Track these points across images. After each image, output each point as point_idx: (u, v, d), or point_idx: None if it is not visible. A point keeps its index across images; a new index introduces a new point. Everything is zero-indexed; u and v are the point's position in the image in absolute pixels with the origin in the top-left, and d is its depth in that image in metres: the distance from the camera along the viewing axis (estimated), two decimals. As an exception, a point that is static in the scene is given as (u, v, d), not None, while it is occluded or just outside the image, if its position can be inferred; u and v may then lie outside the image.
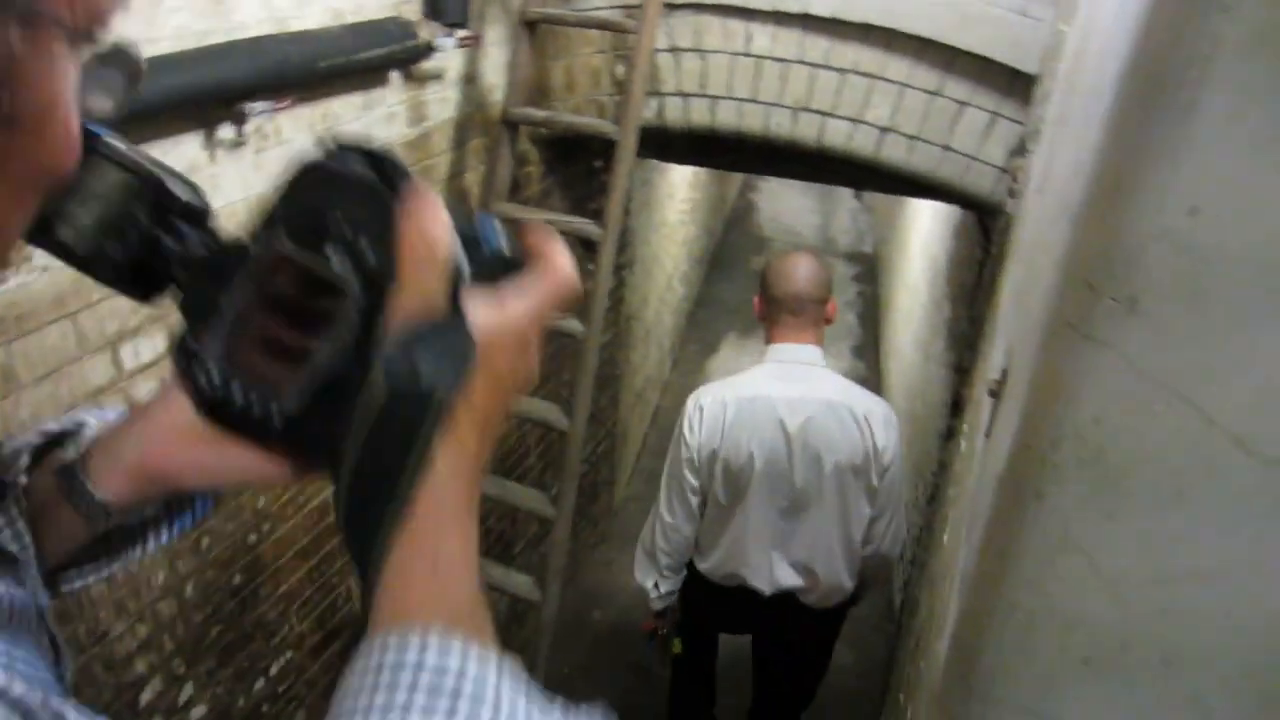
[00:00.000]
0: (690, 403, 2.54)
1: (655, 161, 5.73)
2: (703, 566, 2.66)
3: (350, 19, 2.55)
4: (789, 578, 2.57)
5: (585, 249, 2.77)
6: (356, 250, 0.48)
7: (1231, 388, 0.79)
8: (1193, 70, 0.72)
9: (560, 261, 0.52)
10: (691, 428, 2.47)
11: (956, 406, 3.00)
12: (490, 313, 0.48)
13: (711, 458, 2.46)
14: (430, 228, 0.47)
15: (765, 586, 2.58)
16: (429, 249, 0.47)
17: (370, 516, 0.46)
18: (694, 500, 2.53)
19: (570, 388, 2.95)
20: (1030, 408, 0.97)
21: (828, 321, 2.56)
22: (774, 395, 2.43)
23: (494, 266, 0.50)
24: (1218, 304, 0.77)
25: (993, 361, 1.74)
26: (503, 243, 0.52)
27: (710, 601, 2.73)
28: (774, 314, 2.52)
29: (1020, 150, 2.69)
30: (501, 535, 4.05)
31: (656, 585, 2.75)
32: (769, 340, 2.57)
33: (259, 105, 2.21)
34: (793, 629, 2.70)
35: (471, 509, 0.48)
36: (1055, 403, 0.88)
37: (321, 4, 2.46)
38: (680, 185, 7.12)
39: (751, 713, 3.20)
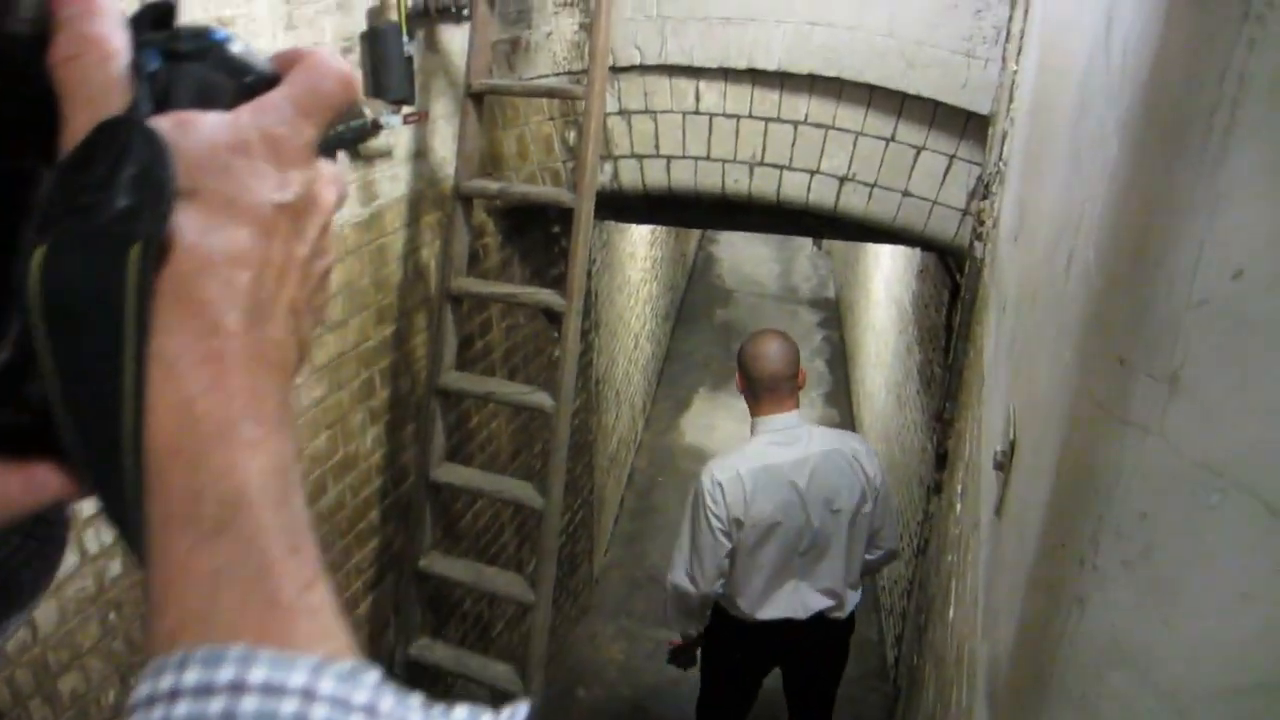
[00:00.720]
0: (706, 479, 2.80)
1: (614, 223, 5.67)
2: (741, 608, 2.97)
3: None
4: (819, 602, 2.97)
5: (550, 320, 2.65)
6: None
7: (1296, 473, 0.68)
8: (1219, 116, 0.63)
9: (316, 56, 0.39)
10: (716, 500, 2.77)
11: (941, 460, 2.89)
12: (203, 121, 0.34)
13: (737, 524, 2.79)
14: (89, 29, 0.33)
15: (801, 613, 2.96)
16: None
17: (103, 467, 0.32)
18: (725, 562, 2.85)
19: (543, 459, 2.82)
20: (1061, 500, 0.86)
21: (799, 388, 2.90)
22: (779, 461, 2.79)
23: (236, 90, 0.37)
24: (1272, 379, 0.66)
25: (990, 425, 1.63)
26: (250, 60, 0.38)
27: (750, 641, 3.05)
28: (756, 392, 2.87)
29: (982, 192, 2.63)
30: (479, 618, 3.87)
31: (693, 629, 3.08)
32: (756, 414, 2.91)
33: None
34: (823, 642, 3.11)
35: (265, 422, 0.33)
36: (1092, 496, 0.77)
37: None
38: (641, 244, 7.07)
39: None
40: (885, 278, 6.96)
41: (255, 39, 2.30)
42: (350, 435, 2.75)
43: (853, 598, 3.03)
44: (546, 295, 2.65)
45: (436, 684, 3.50)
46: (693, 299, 10.86)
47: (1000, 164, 2.40)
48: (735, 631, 3.03)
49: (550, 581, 2.71)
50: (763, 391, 2.83)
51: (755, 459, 2.79)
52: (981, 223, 2.53)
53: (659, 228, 7.88)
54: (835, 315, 10.58)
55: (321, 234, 0.39)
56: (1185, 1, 0.68)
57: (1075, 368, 0.86)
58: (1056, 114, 1.31)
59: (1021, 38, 2.34)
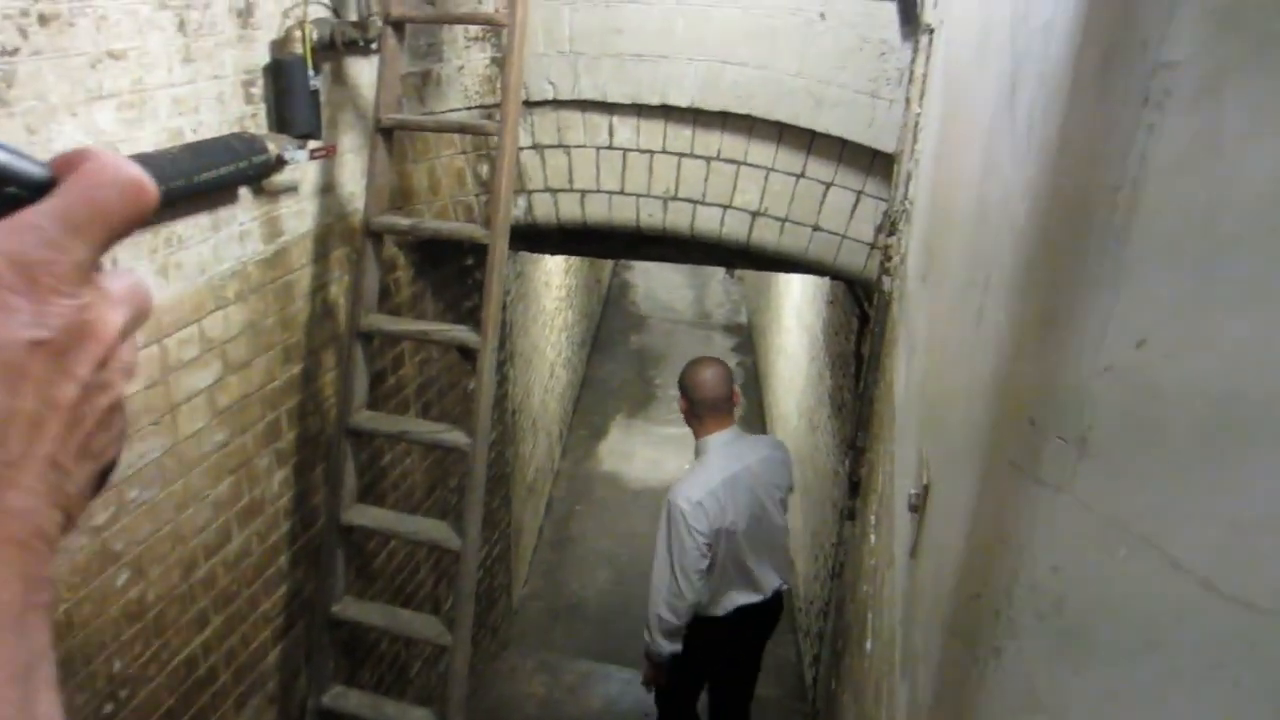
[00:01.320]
0: (683, 503, 3.08)
1: (528, 253, 5.65)
2: (709, 608, 3.30)
3: (190, 137, 2.36)
4: (774, 580, 3.40)
5: (464, 357, 2.62)
6: None
7: (1196, 528, 0.71)
8: (1122, 194, 0.65)
9: (97, 162, 0.34)
10: (699, 519, 3.07)
11: (855, 487, 2.95)
12: None
13: (716, 536, 3.13)
14: None
15: (761, 595, 3.37)
16: None
17: None
18: (706, 576, 3.17)
19: (459, 495, 2.76)
20: (976, 554, 0.88)
21: (735, 405, 3.32)
22: (737, 470, 3.17)
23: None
24: (1174, 440, 0.70)
25: (903, 462, 1.67)
26: (13, 166, 0.34)
27: (710, 635, 3.39)
28: (700, 413, 3.25)
29: (888, 228, 2.71)
30: (395, 659, 3.77)
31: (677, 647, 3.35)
32: (702, 433, 3.27)
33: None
34: (774, 611, 3.53)
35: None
36: (1005, 550, 0.80)
37: (156, 125, 2.28)
38: (555, 272, 7.05)
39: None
40: (796, 305, 7.09)
41: (150, 72, 2.22)
42: (256, 479, 2.65)
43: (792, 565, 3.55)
44: (461, 332, 2.61)
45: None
46: (608, 326, 10.88)
47: (906, 202, 2.47)
48: (707, 631, 3.35)
49: (468, 622, 2.66)
50: (706, 412, 3.22)
51: (718, 473, 3.14)
52: (889, 258, 2.60)
53: (573, 258, 7.88)
54: (748, 340, 10.73)
55: (101, 366, 0.34)
56: (1090, 82, 0.71)
57: (987, 426, 0.88)
58: (962, 163, 1.35)
59: (924, 80, 2.43)
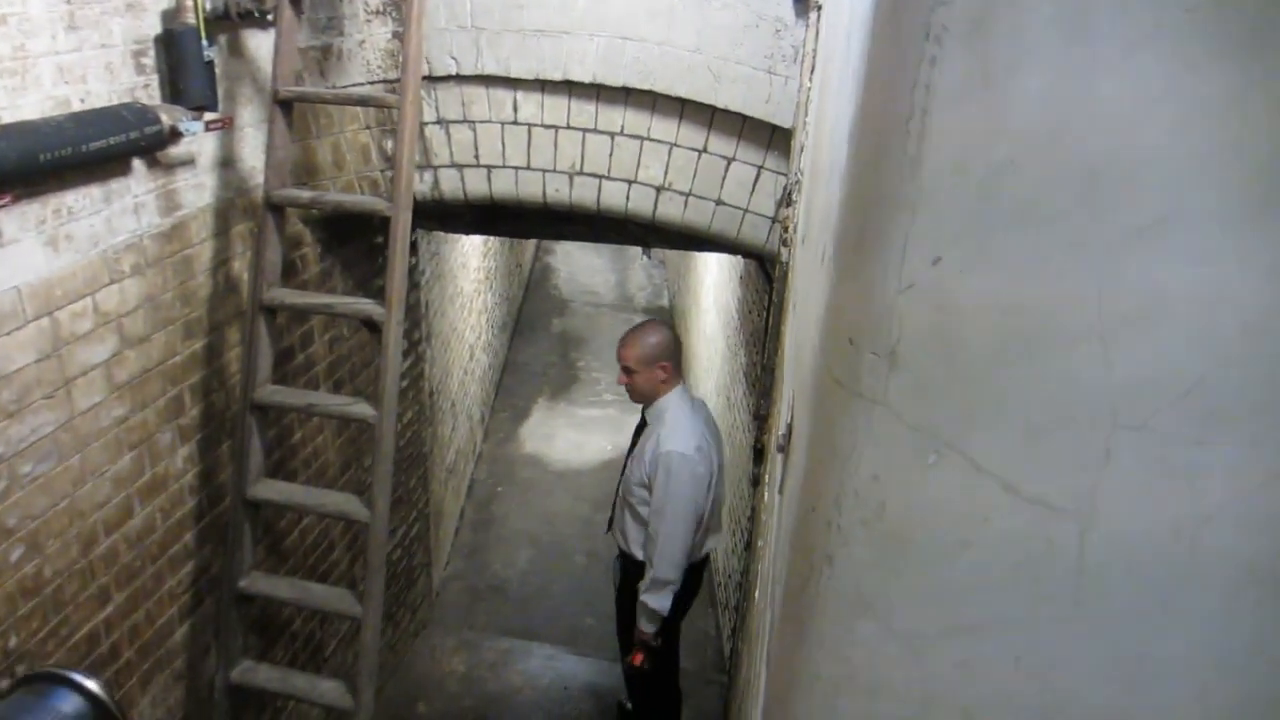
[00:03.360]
0: (686, 451, 3.22)
1: (443, 234, 5.63)
2: (692, 558, 3.43)
3: (78, 107, 2.32)
4: (721, 524, 3.63)
5: (371, 330, 2.62)
6: None
7: (995, 433, 0.79)
8: (913, 122, 0.72)
9: None
10: (701, 465, 3.24)
11: (759, 454, 3.04)
12: None
13: (711, 482, 3.33)
14: None
15: (717, 541, 3.58)
16: None
17: None
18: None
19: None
20: (812, 468, 0.95)
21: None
22: (705, 417, 3.44)
23: None
24: (971, 351, 0.77)
25: (779, 414, 1.75)
26: None
27: (690, 583, 3.54)
28: (679, 369, 3.42)
29: (787, 201, 2.79)
30: (310, 637, 3.75)
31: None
32: (665, 391, 3.40)
33: (-35, 207, 1.97)
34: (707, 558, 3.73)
35: None
36: (834, 462, 0.86)
37: (40, 93, 2.23)
38: (473, 255, 7.02)
39: None
40: (713, 285, 7.19)
41: (32, 39, 2.18)
42: (158, 455, 2.62)
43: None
44: (366, 305, 2.62)
45: (264, 709, 3.38)
46: (530, 309, 10.87)
47: (799, 174, 2.56)
48: (688, 579, 3.48)
49: (379, 594, 2.67)
50: (677, 368, 3.40)
51: (696, 423, 3.33)
52: (786, 229, 2.69)
53: (492, 239, 7.85)
54: (669, 323, 10.83)
55: None
56: (886, 20, 0.78)
57: (820, 349, 0.95)
58: (825, 125, 1.43)
59: (814, 56, 2.51)
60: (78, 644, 2.38)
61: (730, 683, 3.71)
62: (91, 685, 0.51)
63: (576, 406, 8.35)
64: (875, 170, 0.78)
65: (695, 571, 3.61)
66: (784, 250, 2.69)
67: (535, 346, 9.80)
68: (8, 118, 2.13)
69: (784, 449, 1.38)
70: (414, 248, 4.60)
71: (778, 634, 1.07)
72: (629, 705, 4.37)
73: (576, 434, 7.82)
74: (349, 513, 2.68)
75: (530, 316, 10.64)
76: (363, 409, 2.61)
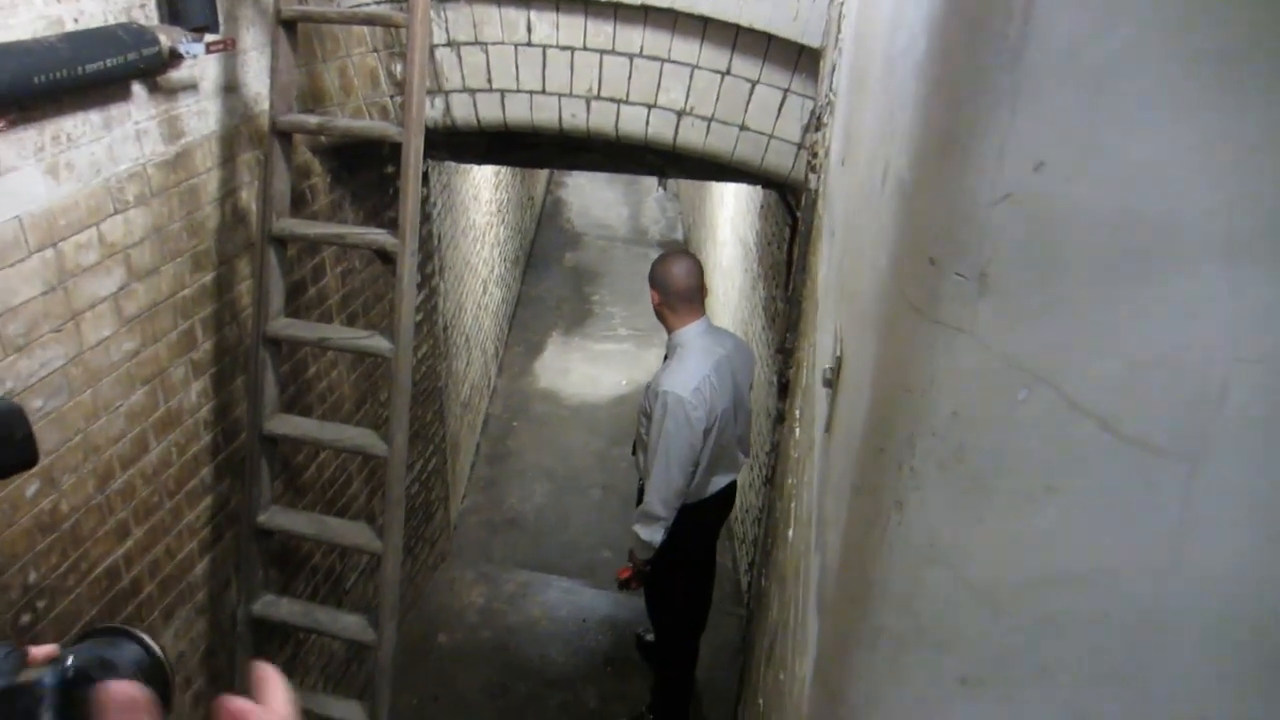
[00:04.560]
0: (681, 392, 3.15)
1: (454, 165, 5.49)
2: (695, 494, 3.40)
3: (71, 27, 2.20)
4: (742, 458, 3.59)
5: (384, 261, 2.53)
6: None
7: (1095, 366, 0.70)
8: (1017, 4, 0.62)
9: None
10: (696, 409, 3.16)
11: (784, 389, 2.96)
12: None
13: (711, 421, 3.23)
14: None
15: (736, 472, 3.59)
16: None
17: None
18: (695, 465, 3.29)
19: (389, 407, 2.71)
20: (878, 405, 0.86)
21: (706, 296, 3.41)
22: (719, 358, 3.26)
23: None
24: (1074, 272, 0.68)
25: (822, 347, 1.66)
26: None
27: (699, 520, 3.53)
28: (675, 305, 3.29)
29: (815, 125, 2.66)
30: (330, 571, 3.75)
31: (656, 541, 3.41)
32: (677, 325, 3.32)
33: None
34: (734, 494, 3.76)
35: None
36: (906, 398, 0.78)
37: (31, 11, 2.11)
38: (484, 187, 6.89)
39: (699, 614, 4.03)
40: (730, 217, 7.05)
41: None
42: (172, 389, 2.56)
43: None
44: (378, 235, 2.52)
45: (287, 641, 3.38)
46: (542, 243, 10.73)
47: (830, 95, 2.43)
48: (693, 517, 3.46)
49: (399, 528, 2.63)
50: (681, 304, 3.27)
51: (705, 361, 3.22)
52: (815, 155, 2.56)
53: (504, 170, 7.70)
54: (689, 253, 10.68)
55: None
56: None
57: (890, 272, 0.86)
58: (876, 29, 1.31)
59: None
60: (98, 579, 2.35)
61: (751, 618, 3.69)
62: (150, 641, 0.61)
63: (591, 341, 8.27)
64: (966, 60, 0.68)
65: (717, 503, 3.59)
66: (813, 177, 2.57)
67: (548, 280, 9.69)
68: (-1, 38, 2.02)
69: (830, 384, 1.29)
70: (425, 179, 4.48)
71: (835, 582, 1.00)
72: (648, 636, 4.38)
73: (591, 368, 7.76)
74: (366, 447, 2.62)
75: (543, 250, 10.51)
76: (378, 343, 2.53)
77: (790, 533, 1.96)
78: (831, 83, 2.44)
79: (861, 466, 0.90)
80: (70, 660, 0.63)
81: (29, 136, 2.11)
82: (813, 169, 2.58)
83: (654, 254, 10.94)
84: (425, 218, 4.57)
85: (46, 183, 2.16)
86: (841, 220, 1.57)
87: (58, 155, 2.20)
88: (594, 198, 12.52)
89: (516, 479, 6.19)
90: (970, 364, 0.72)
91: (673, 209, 12.27)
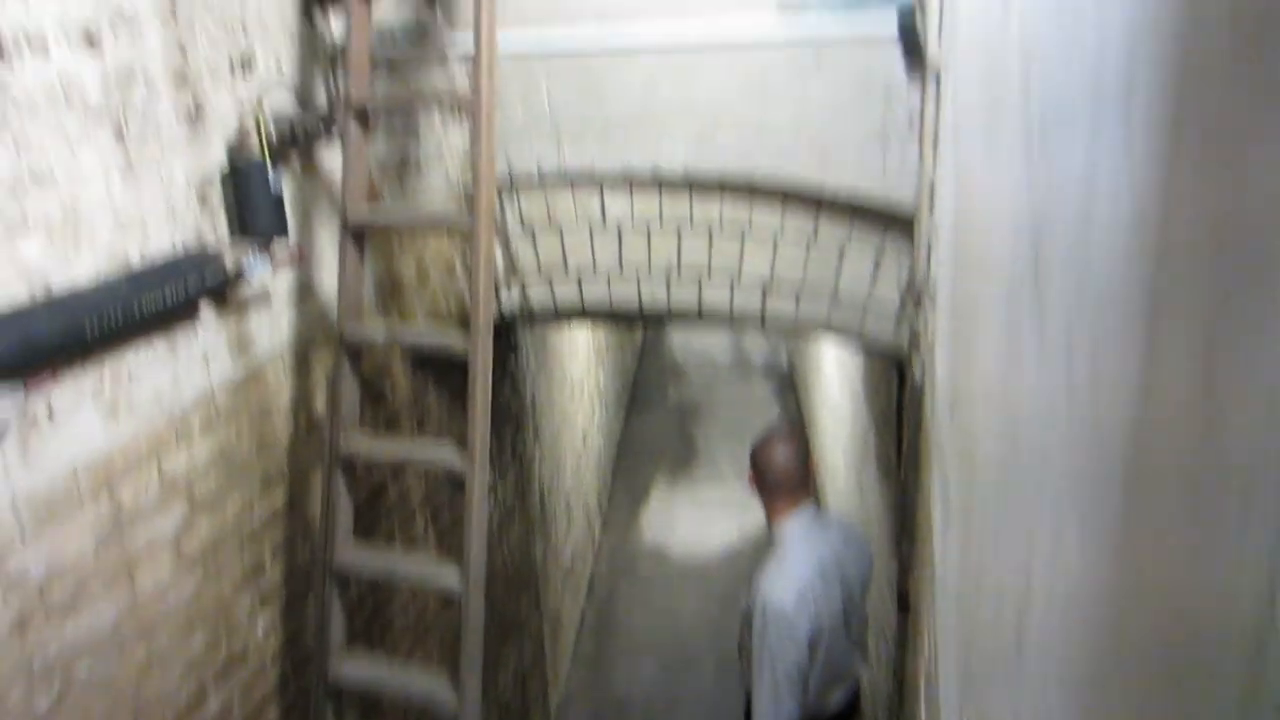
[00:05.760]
0: (780, 605, 2.80)
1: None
2: (812, 709, 3.00)
3: (136, 258, 2.14)
4: (859, 668, 3.18)
5: (451, 484, 2.35)
6: None
7: None
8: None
9: None
10: (796, 627, 2.80)
11: (903, 600, 2.61)
12: None
13: (818, 635, 2.86)
14: None
15: (854, 683, 3.16)
16: None
17: None
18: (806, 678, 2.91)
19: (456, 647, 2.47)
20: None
21: (812, 479, 3.02)
22: (823, 558, 2.89)
23: None
24: None
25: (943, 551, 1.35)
26: None
27: None
28: (775, 492, 2.96)
29: (914, 300, 2.40)
30: None
31: None
32: (776, 514, 2.97)
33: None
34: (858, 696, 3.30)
35: None
36: None
37: (94, 250, 2.06)
38: (581, 335, 6.79)
39: None
40: (836, 353, 6.75)
41: (85, 190, 2.00)
42: (235, 628, 2.40)
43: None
44: (446, 454, 2.34)
45: None
46: (644, 379, 10.62)
47: (929, 275, 2.17)
48: None
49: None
50: (781, 492, 2.95)
51: (806, 564, 2.88)
52: (916, 336, 2.29)
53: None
54: (789, 383, 10.38)
55: None
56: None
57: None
58: (991, 249, 1.06)
59: (935, 127, 2.14)
60: None
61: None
62: None
63: (698, 486, 7.96)
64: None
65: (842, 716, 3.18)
66: (916, 359, 2.30)
67: (651, 420, 9.50)
68: (59, 283, 1.96)
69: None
70: (515, 341, 4.38)
71: None
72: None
73: (699, 519, 7.42)
74: (432, 700, 2.35)
75: (644, 387, 10.38)
76: (448, 578, 2.31)
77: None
78: (928, 257, 2.19)
79: None
80: None
81: (86, 379, 2.02)
82: (915, 347, 2.31)
83: (759, 383, 10.66)
84: (515, 392, 4.44)
85: (105, 424, 2.07)
86: (956, 499, 1.28)
87: (117, 394, 2.11)
88: (694, 328, 12.43)
89: (623, 655, 5.82)
90: None
91: (776, 335, 12.05)
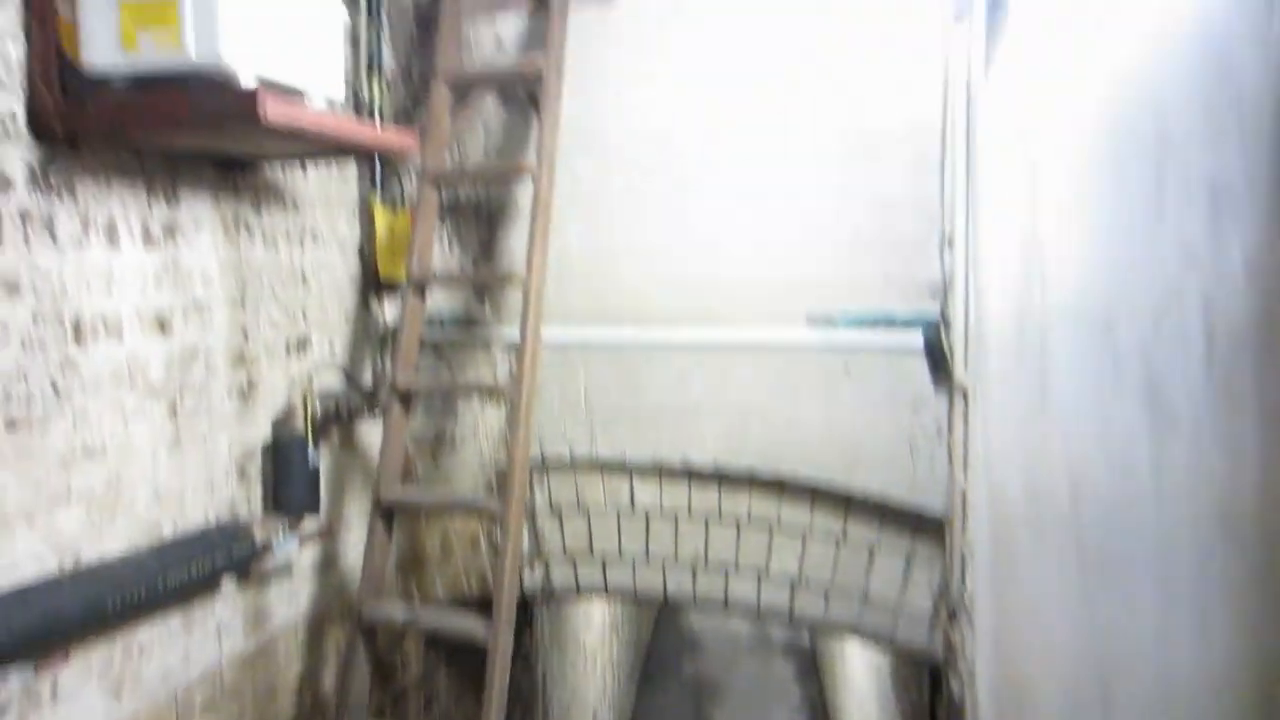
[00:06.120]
0: None
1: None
2: None
3: (169, 530, 2.15)
4: None
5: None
6: None
7: None
8: None
9: None
10: None
11: None
12: None
13: None
14: None
15: None
16: None
17: None
18: None
19: None
20: None
21: None
22: None
23: None
24: None
25: None
26: None
27: None
28: None
29: (949, 615, 2.34)
30: None
31: None
32: None
33: (11, 672, 1.76)
34: None
35: None
36: None
37: (129, 521, 2.08)
38: (596, 606, 6.61)
39: None
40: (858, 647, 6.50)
41: (130, 464, 2.05)
42: None
43: None
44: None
45: None
46: (659, 649, 10.18)
47: (964, 588, 2.13)
48: None
49: None
50: None
51: None
52: (952, 647, 2.22)
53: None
54: (813, 665, 9.90)
55: None
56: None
57: None
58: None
59: (965, 443, 2.18)
60: None
61: None
62: None
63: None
64: None
65: None
66: (954, 679, 2.20)
67: (664, 697, 9.01)
68: (89, 555, 1.96)
69: None
70: (531, 617, 4.26)
71: None
72: None
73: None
74: None
75: (659, 657, 9.94)
76: None
77: None
78: (963, 574, 2.16)
79: None
80: None
81: (96, 655, 1.98)
82: (951, 666, 2.22)
83: (779, 662, 10.15)
84: (527, 661, 4.28)
85: (107, 705, 2.00)
86: None
87: (125, 671, 2.05)
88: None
89: None
90: None
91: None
